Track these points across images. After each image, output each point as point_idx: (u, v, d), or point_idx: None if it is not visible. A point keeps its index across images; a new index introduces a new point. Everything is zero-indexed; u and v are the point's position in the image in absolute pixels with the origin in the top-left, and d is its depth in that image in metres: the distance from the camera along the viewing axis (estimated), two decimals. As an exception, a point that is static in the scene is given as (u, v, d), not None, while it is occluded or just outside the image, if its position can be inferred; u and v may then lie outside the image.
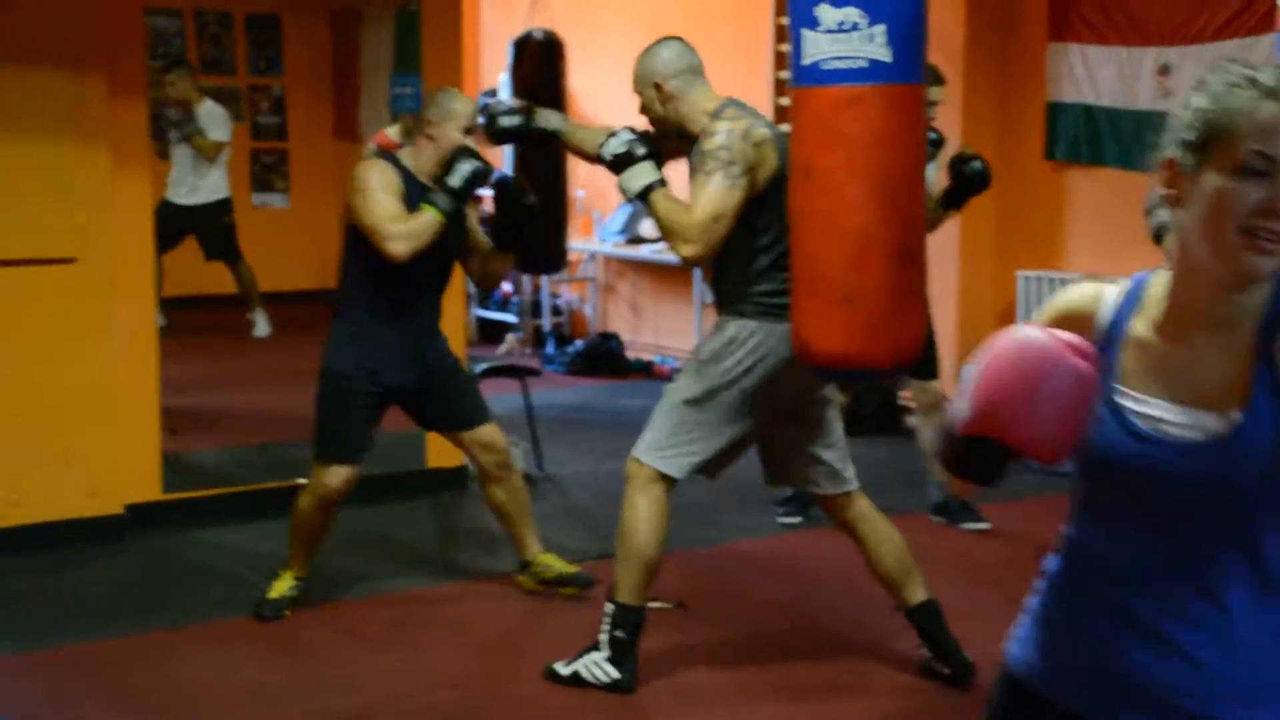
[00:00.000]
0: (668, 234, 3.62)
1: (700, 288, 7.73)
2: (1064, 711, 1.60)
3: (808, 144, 3.80)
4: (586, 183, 8.45)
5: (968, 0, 6.65)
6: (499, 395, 6.33)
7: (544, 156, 6.44)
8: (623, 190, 3.70)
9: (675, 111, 3.69)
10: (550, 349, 8.50)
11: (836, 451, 3.80)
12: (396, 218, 3.98)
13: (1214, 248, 1.45)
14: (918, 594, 3.75)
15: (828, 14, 3.76)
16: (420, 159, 4.10)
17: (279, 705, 3.59)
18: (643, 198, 3.63)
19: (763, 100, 7.37)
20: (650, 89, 3.71)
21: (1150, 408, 1.52)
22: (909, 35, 3.76)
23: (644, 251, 8.07)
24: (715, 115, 3.64)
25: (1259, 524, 1.49)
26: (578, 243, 8.20)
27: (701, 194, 3.55)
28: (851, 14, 3.72)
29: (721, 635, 4.12)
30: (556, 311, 8.91)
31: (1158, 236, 4.41)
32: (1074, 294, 1.62)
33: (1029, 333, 1.46)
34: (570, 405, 7.31)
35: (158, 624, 4.12)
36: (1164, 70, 6.19)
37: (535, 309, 8.87)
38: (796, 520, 5.13)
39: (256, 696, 3.64)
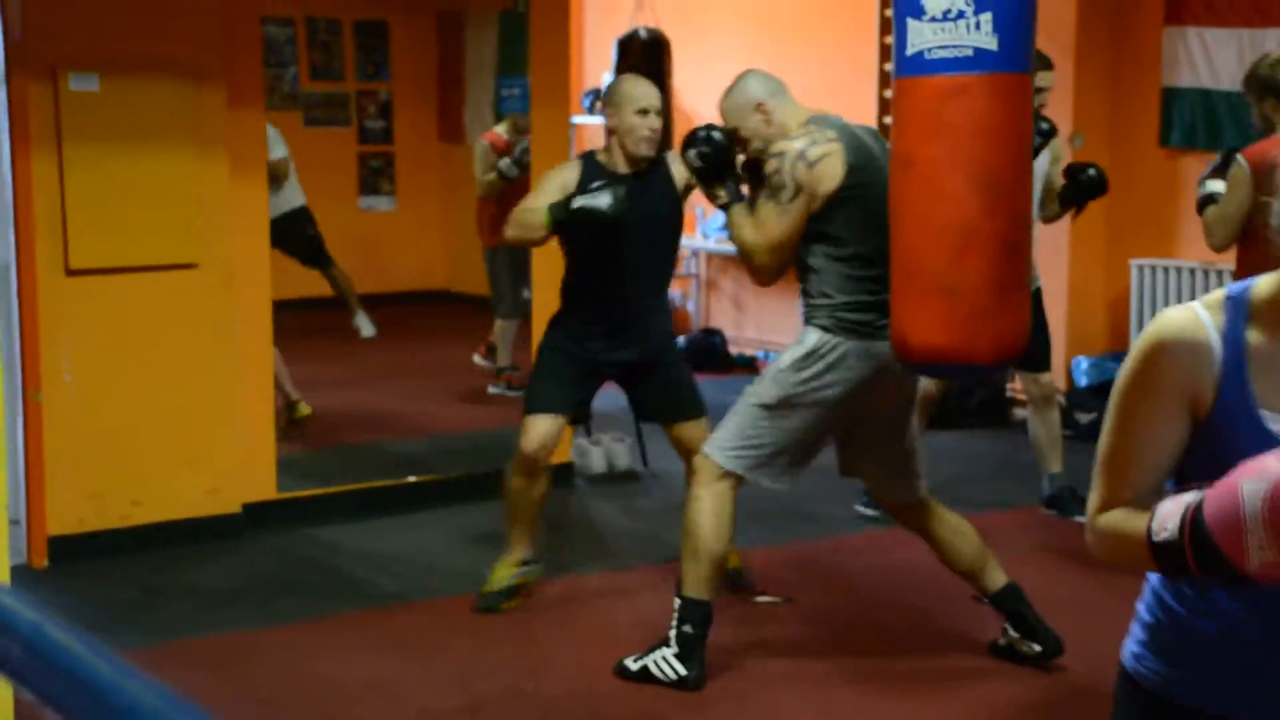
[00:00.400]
0: (741, 254, 3.76)
1: (806, 283, 7.73)
2: (1204, 715, 1.61)
3: (910, 135, 3.80)
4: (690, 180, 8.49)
5: (1078, -15, 6.56)
6: (603, 391, 6.40)
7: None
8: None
9: (776, 131, 3.75)
10: (655, 346, 8.56)
11: (910, 458, 3.82)
12: (528, 207, 4.14)
13: None
14: (999, 578, 3.79)
15: (933, 2, 3.75)
16: (613, 155, 4.23)
17: (394, 700, 3.69)
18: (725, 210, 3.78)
19: (868, 94, 7.35)
20: (754, 114, 3.77)
21: None
22: (1016, 23, 3.73)
23: (748, 247, 8.08)
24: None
25: None
26: (681, 239, 8.24)
27: (760, 220, 3.66)
28: (957, 1, 3.71)
29: (830, 628, 4.14)
30: (661, 308, 8.96)
31: (1201, 207, 4.38)
32: (1175, 322, 1.56)
33: None
34: (676, 402, 7.35)
35: (275, 620, 4.24)
36: (1286, 52, 6.04)
37: (640, 306, 8.93)
38: (876, 513, 5.13)
39: (372, 690, 3.74)
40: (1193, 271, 6.34)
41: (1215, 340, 1.53)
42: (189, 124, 4.76)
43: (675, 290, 8.99)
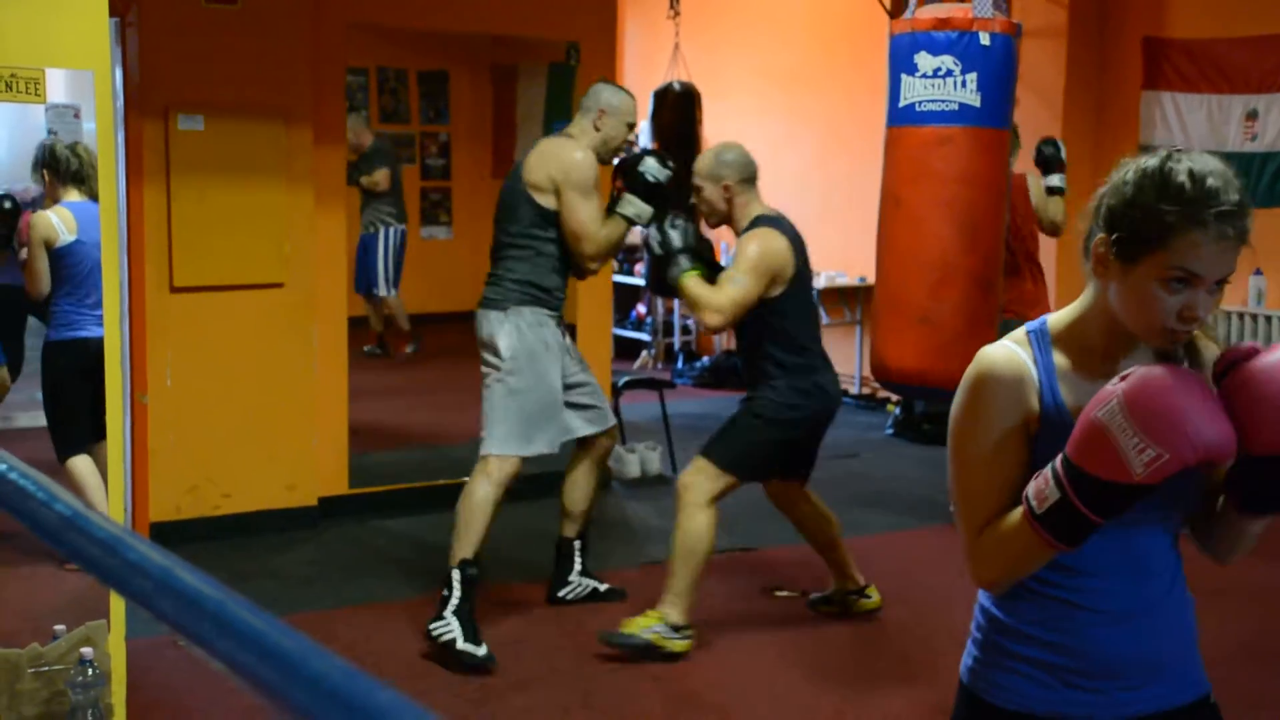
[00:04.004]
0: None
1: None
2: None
3: (899, 177, 3.83)
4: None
5: (1068, 53, 6.58)
6: (639, 404, 6.44)
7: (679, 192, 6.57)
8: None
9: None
10: (680, 364, 8.59)
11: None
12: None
13: (1140, 326, 1.53)
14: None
15: (925, 61, 3.80)
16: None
17: (456, 677, 3.70)
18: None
19: (878, 142, 7.37)
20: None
21: None
22: (998, 84, 3.78)
23: (766, 278, 8.11)
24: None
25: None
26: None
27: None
28: (946, 61, 3.77)
29: (842, 621, 4.15)
30: (685, 331, 9.00)
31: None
32: (997, 357, 1.59)
33: (1156, 368, 1.46)
34: (699, 414, 7.37)
35: (348, 601, 4.27)
36: (1251, 116, 6.07)
37: (667, 328, 8.97)
38: None
39: (437, 668, 3.76)
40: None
41: (1031, 366, 1.59)
42: (280, 160, 4.83)
43: (699, 315, 9.04)
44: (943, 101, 3.77)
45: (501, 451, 3.96)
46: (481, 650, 3.75)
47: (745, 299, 3.70)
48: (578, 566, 4.27)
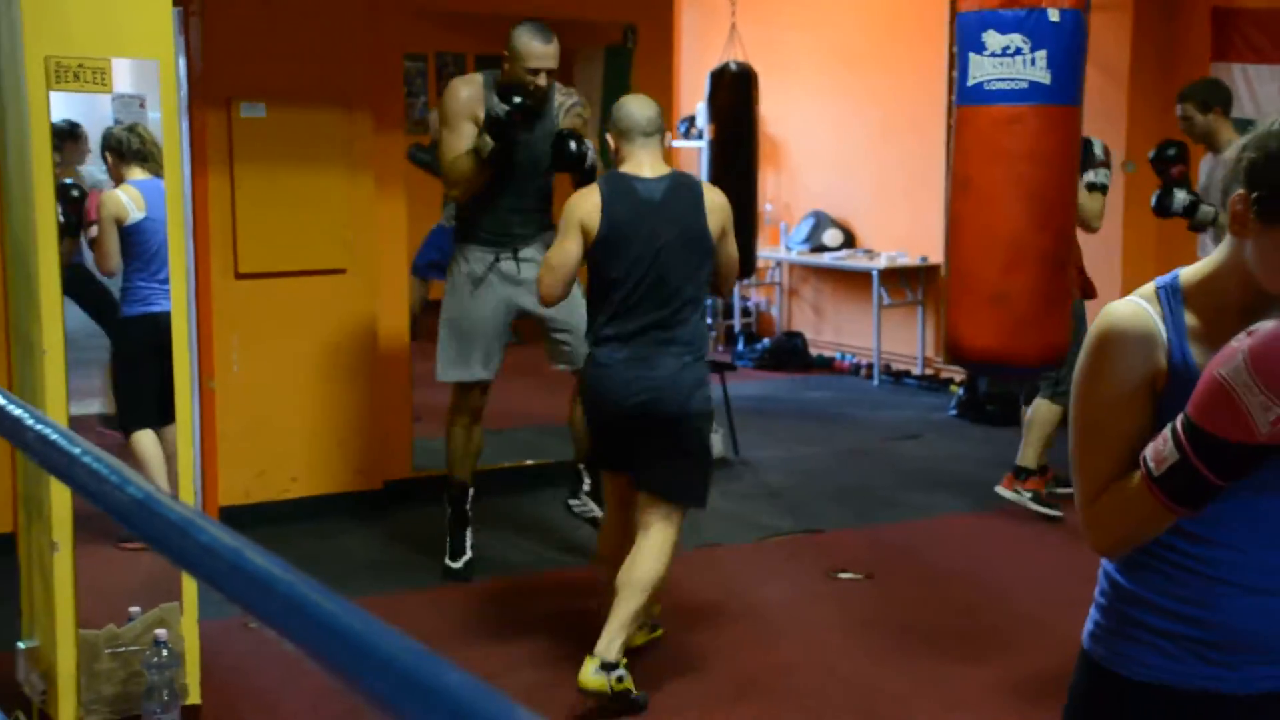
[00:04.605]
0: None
1: (878, 291, 7.67)
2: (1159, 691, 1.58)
3: (969, 158, 3.77)
4: (773, 197, 8.47)
5: (1134, 24, 6.45)
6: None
7: (736, 172, 6.53)
8: None
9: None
10: (741, 346, 8.55)
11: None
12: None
13: (1277, 287, 1.49)
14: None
15: (993, 39, 3.73)
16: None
17: (544, 667, 3.71)
18: None
19: (938, 121, 7.28)
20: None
21: None
22: (1068, 60, 3.71)
23: (826, 259, 8.05)
24: None
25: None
26: (765, 251, 8.23)
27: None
28: (1015, 39, 3.70)
29: (904, 602, 4.12)
30: (746, 313, 8.95)
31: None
32: (1124, 314, 1.54)
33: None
34: (760, 396, 7.35)
35: (415, 584, 4.29)
36: (1326, 85, 5.90)
37: (727, 310, 8.93)
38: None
39: (502, 649, 3.78)
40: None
41: (1159, 324, 1.53)
42: (341, 147, 4.85)
43: (760, 296, 8.98)
44: (1012, 80, 3.71)
45: (445, 378, 4.35)
46: (456, 564, 4.35)
47: (559, 259, 3.44)
48: (585, 486, 4.67)
